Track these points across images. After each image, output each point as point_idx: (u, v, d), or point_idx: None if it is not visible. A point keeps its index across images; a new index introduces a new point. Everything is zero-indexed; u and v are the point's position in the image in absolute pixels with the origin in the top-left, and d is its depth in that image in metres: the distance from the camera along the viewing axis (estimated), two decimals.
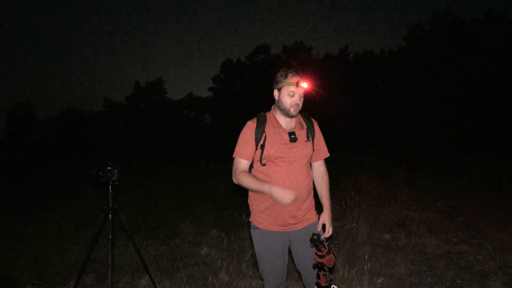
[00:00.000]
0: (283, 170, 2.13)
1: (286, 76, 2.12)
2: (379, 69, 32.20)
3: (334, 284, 1.93)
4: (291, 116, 2.16)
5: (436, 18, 29.96)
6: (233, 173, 2.18)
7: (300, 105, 2.15)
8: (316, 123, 2.33)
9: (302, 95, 2.15)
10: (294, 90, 2.10)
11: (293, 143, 2.15)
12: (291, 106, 2.11)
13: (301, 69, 2.17)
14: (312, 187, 2.28)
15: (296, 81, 2.09)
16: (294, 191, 2.09)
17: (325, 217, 2.26)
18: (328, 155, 2.36)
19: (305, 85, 2.09)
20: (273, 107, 2.26)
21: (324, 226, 2.26)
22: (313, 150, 2.25)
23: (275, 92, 2.20)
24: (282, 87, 2.14)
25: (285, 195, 2.00)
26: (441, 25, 29.05)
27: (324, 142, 2.35)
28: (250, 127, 2.17)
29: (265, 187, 2.05)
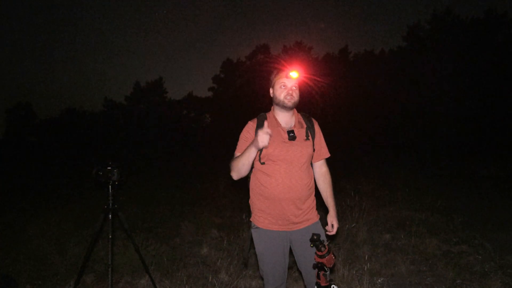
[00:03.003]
0: (282, 169, 2.13)
1: (277, 73, 2.21)
2: (379, 69, 32.16)
3: (334, 284, 1.93)
4: (288, 108, 2.18)
5: (436, 18, 29.94)
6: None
7: (295, 96, 2.18)
8: (317, 123, 2.34)
9: (296, 87, 2.19)
10: (285, 82, 2.17)
11: (292, 141, 2.16)
12: (285, 97, 2.16)
13: (294, 62, 2.20)
14: (314, 186, 2.28)
15: (285, 73, 2.15)
16: (293, 190, 2.11)
17: (332, 218, 2.31)
18: (328, 155, 2.36)
19: (294, 74, 2.14)
20: (272, 107, 2.30)
21: (331, 225, 2.32)
22: (314, 149, 2.26)
23: (270, 91, 2.27)
24: (275, 82, 2.21)
25: (261, 136, 1.98)
26: (441, 25, 29.05)
27: (324, 142, 2.35)
28: (249, 126, 2.23)
29: (249, 147, 2.05)
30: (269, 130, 2.00)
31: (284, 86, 2.17)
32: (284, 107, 2.18)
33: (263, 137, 1.98)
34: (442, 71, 26.03)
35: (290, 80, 2.16)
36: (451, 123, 24.06)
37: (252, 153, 2.06)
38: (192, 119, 47.99)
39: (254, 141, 2.02)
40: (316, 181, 2.34)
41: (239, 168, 2.11)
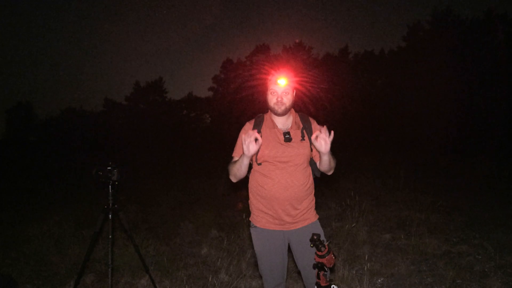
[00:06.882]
0: (278, 170, 2.15)
1: (270, 79, 2.22)
2: (379, 69, 32.17)
3: (334, 284, 1.93)
4: (278, 114, 2.20)
5: (436, 18, 29.95)
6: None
7: (286, 102, 2.18)
8: (314, 121, 2.31)
9: (288, 92, 2.19)
10: (275, 89, 2.18)
11: (288, 143, 2.16)
12: (274, 104, 2.18)
13: (282, 68, 2.20)
14: (312, 186, 2.27)
15: (275, 80, 2.17)
16: (290, 190, 2.12)
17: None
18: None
19: (282, 82, 2.15)
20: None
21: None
22: (311, 149, 2.23)
23: (266, 96, 2.27)
24: (268, 88, 2.23)
25: (245, 145, 2.01)
26: (441, 25, 29.05)
27: None
28: (246, 128, 2.25)
29: (242, 156, 2.09)
30: (255, 137, 2.00)
31: (274, 92, 2.19)
32: (275, 113, 2.20)
33: (247, 146, 2.01)
34: (442, 71, 26.03)
35: (279, 87, 2.17)
36: (451, 123, 24.06)
37: (244, 161, 2.10)
38: (192, 119, 47.96)
39: (244, 151, 2.04)
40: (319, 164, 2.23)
41: (235, 173, 2.17)
